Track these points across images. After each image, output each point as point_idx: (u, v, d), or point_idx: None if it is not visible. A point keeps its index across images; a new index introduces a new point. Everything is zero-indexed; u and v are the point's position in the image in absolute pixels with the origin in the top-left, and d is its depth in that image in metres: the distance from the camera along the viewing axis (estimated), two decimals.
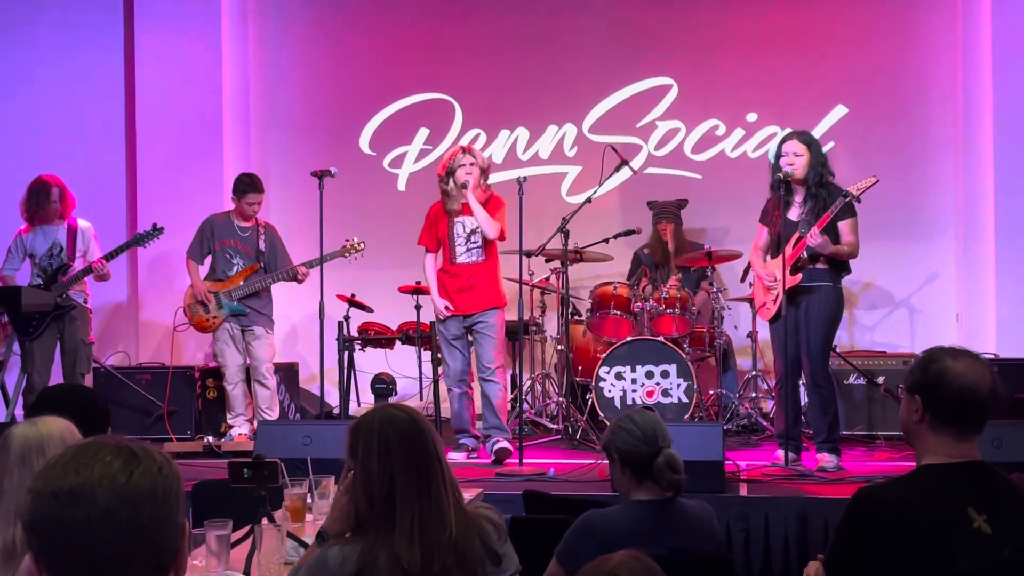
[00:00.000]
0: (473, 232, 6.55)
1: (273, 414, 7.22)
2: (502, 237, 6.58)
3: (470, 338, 6.64)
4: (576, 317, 7.87)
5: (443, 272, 6.66)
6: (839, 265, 6.04)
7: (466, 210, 6.55)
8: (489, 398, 6.54)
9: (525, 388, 7.77)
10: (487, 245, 6.58)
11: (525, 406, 7.61)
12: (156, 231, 7.26)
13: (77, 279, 7.11)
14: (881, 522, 2.43)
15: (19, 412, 7.14)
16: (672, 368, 7.07)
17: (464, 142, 8.47)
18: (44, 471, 1.57)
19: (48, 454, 2.73)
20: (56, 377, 7.13)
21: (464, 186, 6.45)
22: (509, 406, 7.10)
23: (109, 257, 7.15)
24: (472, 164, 6.52)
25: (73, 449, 1.57)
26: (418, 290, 7.66)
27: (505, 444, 6.42)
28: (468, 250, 6.57)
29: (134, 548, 1.52)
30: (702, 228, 8.68)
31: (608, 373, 7.13)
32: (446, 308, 6.56)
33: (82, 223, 7.28)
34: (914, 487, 2.48)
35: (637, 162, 8.48)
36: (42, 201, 7.17)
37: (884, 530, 2.42)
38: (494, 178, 8.29)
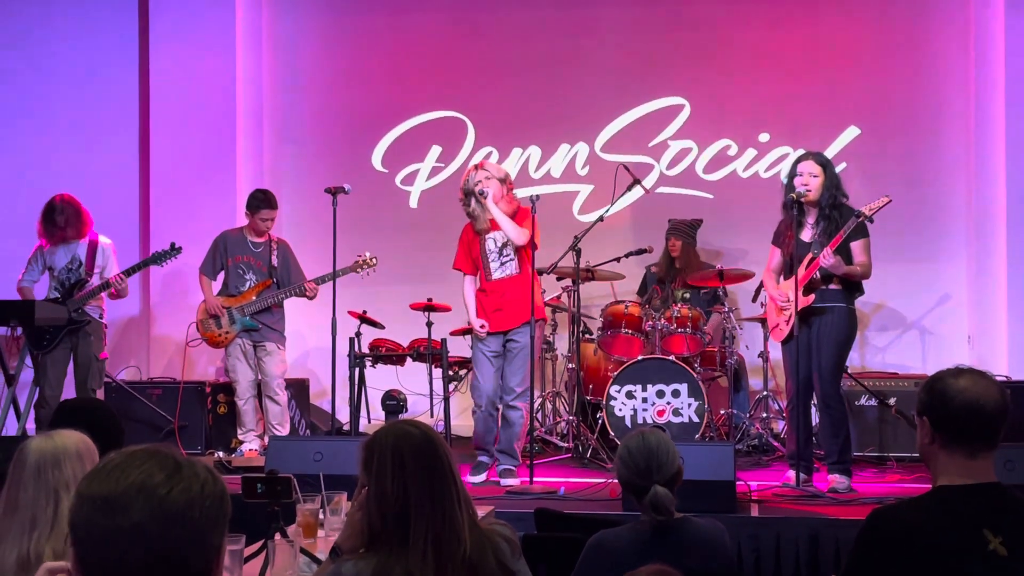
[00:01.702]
0: (504, 245, 6.42)
1: (284, 430, 7.23)
2: (533, 245, 6.39)
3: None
4: (587, 335, 7.87)
5: (480, 292, 6.54)
6: (852, 286, 6.03)
7: (495, 226, 6.42)
8: (510, 424, 6.40)
9: (536, 406, 7.76)
10: (521, 257, 6.43)
11: (535, 424, 7.59)
12: (174, 250, 7.27)
13: (93, 295, 7.13)
14: (896, 543, 2.42)
15: (29, 425, 7.17)
16: (683, 387, 7.07)
17: (476, 160, 8.47)
18: (91, 474, 1.59)
19: (64, 468, 2.75)
20: (68, 391, 7.15)
21: (483, 194, 6.34)
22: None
23: (126, 275, 7.18)
24: (487, 178, 6.40)
25: (122, 455, 1.59)
26: (430, 307, 7.67)
27: (512, 480, 6.28)
28: (502, 264, 6.45)
29: (162, 565, 1.52)
30: (712, 247, 8.67)
31: (619, 392, 7.13)
32: (481, 327, 6.43)
33: (103, 240, 7.31)
34: (929, 508, 2.47)
35: (649, 181, 8.51)
36: (48, 224, 7.20)
37: (899, 551, 2.41)
38: None
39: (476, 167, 6.56)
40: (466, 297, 6.61)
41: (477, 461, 6.50)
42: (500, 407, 6.53)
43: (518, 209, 6.46)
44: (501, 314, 6.43)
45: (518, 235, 6.33)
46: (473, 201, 6.45)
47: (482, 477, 6.38)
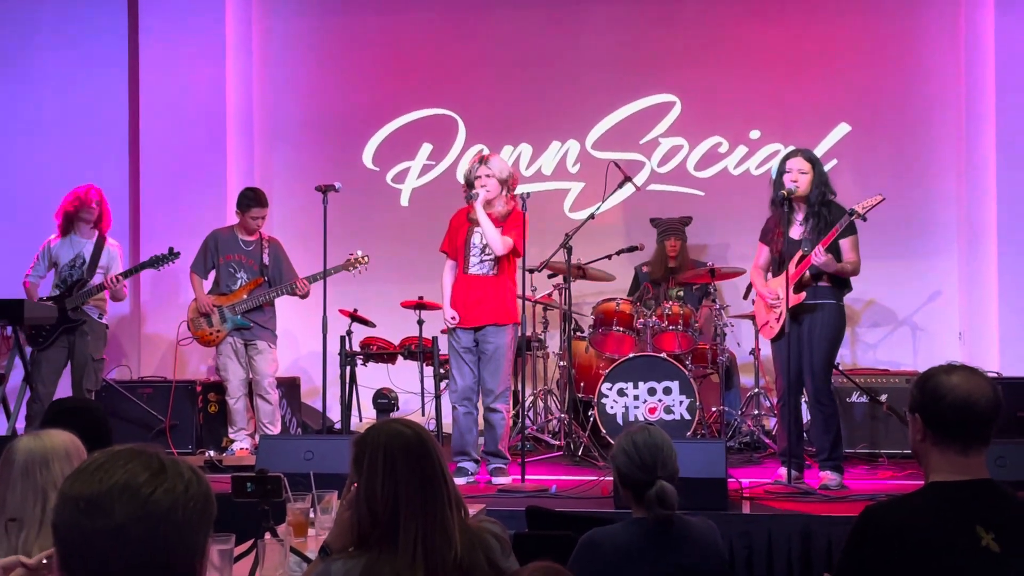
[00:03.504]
0: (488, 244, 6.34)
1: (275, 429, 7.21)
2: (516, 253, 6.38)
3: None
4: (578, 333, 7.86)
5: (456, 281, 6.47)
6: (841, 283, 6.04)
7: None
8: (493, 426, 6.37)
9: (527, 404, 7.76)
10: (501, 260, 6.36)
11: (527, 422, 7.59)
12: (172, 255, 7.23)
13: (91, 294, 7.12)
14: (889, 540, 2.42)
15: (20, 424, 7.14)
16: (675, 385, 7.06)
17: (467, 158, 8.46)
18: (74, 474, 1.58)
19: (52, 467, 2.74)
20: (63, 390, 7.13)
21: (473, 197, 6.25)
22: (512, 422, 7.01)
23: (123, 277, 7.15)
24: (488, 176, 6.29)
25: (106, 454, 1.57)
26: (420, 305, 7.65)
27: (504, 479, 6.25)
28: (481, 262, 6.36)
29: (146, 565, 1.51)
30: (704, 245, 8.68)
31: (610, 389, 7.13)
32: (452, 318, 6.39)
33: (111, 241, 7.32)
34: (922, 505, 2.47)
35: (640, 179, 8.49)
36: (79, 206, 7.21)
37: (892, 548, 2.41)
38: None
39: (482, 158, 6.43)
40: (444, 282, 6.52)
41: (458, 467, 6.31)
42: (480, 407, 6.48)
43: (512, 211, 6.38)
44: (469, 310, 6.37)
45: (498, 245, 6.26)
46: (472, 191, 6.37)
47: (462, 481, 6.15)
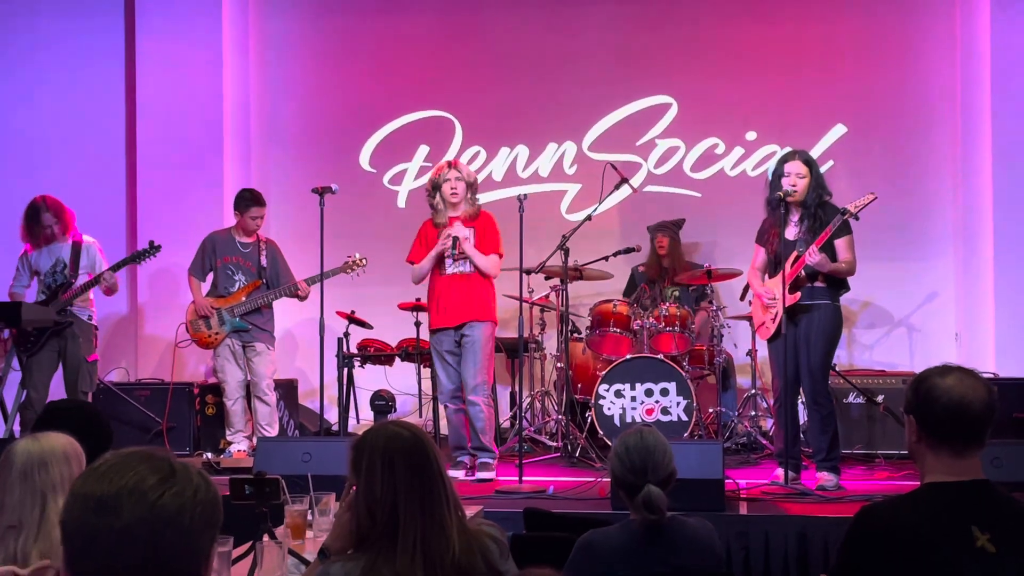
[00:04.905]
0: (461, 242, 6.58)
1: (272, 431, 7.20)
2: (500, 255, 6.64)
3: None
4: (576, 334, 7.86)
5: (436, 283, 6.66)
6: (838, 283, 6.05)
7: (452, 223, 6.59)
8: (472, 420, 6.55)
9: (524, 405, 7.76)
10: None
11: (524, 423, 7.59)
12: (153, 249, 7.22)
13: (78, 295, 7.09)
14: (884, 540, 2.43)
15: (17, 429, 7.13)
16: (672, 386, 7.07)
17: (464, 159, 8.49)
18: (86, 473, 1.60)
19: (51, 470, 2.74)
20: (56, 393, 7.10)
21: (457, 241, 6.49)
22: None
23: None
24: (457, 179, 6.59)
25: (118, 456, 1.59)
26: (418, 307, 7.66)
27: (487, 474, 6.41)
28: (455, 261, 6.58)
29: (150, 568, 1.53)
30: (701, 246, 8.68)
31: (608, 391, 7.13)
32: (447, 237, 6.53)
33: (87, 239, 7.25)
34: (917, 505, 2.48)
35: (637, 180, 8.51)
36: (34, 225, 7.15)
37: (888, 548, 2.42)
38: (494, 195, 8.37)
39: (449, 164, 6.74)
40: (420, 268, 6.69)
41: (456, 460, 6.62)
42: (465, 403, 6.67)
43: (480, 213, 6.66)
44: (450, 310, 6.55)
45: (489, 269, 6.57)
46: (438, 195, 6.65)
47: (459, 473, 6.47)
